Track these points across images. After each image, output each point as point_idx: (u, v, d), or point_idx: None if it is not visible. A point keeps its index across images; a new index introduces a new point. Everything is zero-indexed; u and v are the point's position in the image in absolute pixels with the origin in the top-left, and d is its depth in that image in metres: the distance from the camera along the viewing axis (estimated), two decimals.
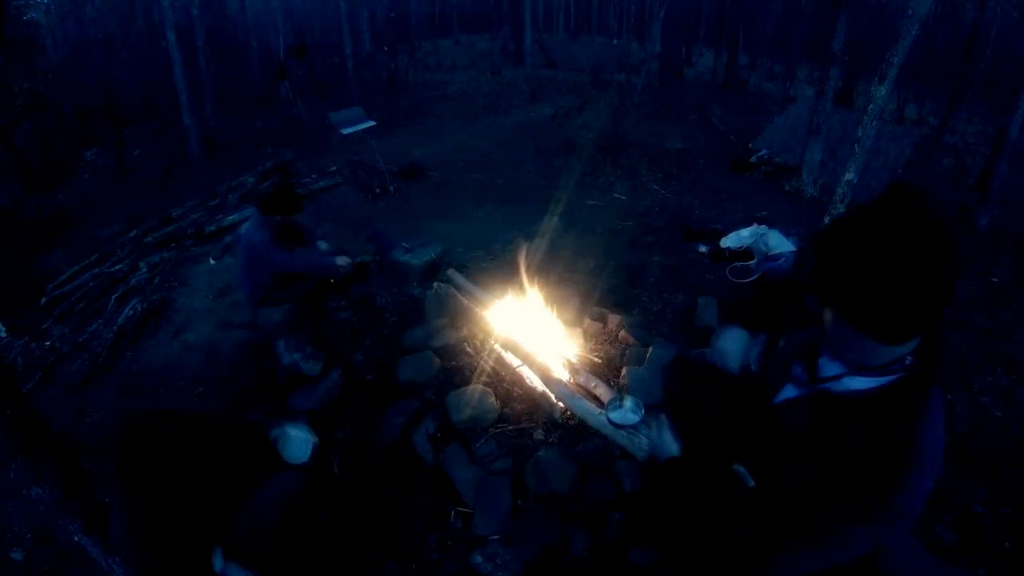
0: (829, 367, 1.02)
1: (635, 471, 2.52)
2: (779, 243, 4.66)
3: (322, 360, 3.39)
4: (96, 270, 5.68)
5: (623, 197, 7.00)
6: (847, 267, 0.85)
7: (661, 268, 4.95)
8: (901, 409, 0.93)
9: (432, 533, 2.46)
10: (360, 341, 3.69)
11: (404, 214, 6.59)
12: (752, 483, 1.11)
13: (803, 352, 1.10)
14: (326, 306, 4.01)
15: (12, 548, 2.67)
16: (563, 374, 3.05)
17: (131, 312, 4.62)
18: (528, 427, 2.85)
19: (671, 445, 1.34)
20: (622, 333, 3.51)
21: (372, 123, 7.51)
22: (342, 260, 3.54)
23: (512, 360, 3.17)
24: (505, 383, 3.11)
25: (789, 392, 1.12)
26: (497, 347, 3.30)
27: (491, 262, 5.01)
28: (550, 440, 2.77)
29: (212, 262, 5.62)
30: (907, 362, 0.93)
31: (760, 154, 8.53)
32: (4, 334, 4.64)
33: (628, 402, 2.70)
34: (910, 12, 4.12)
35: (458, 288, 4.04)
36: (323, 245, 3.83)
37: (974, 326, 4.25)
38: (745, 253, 4.77)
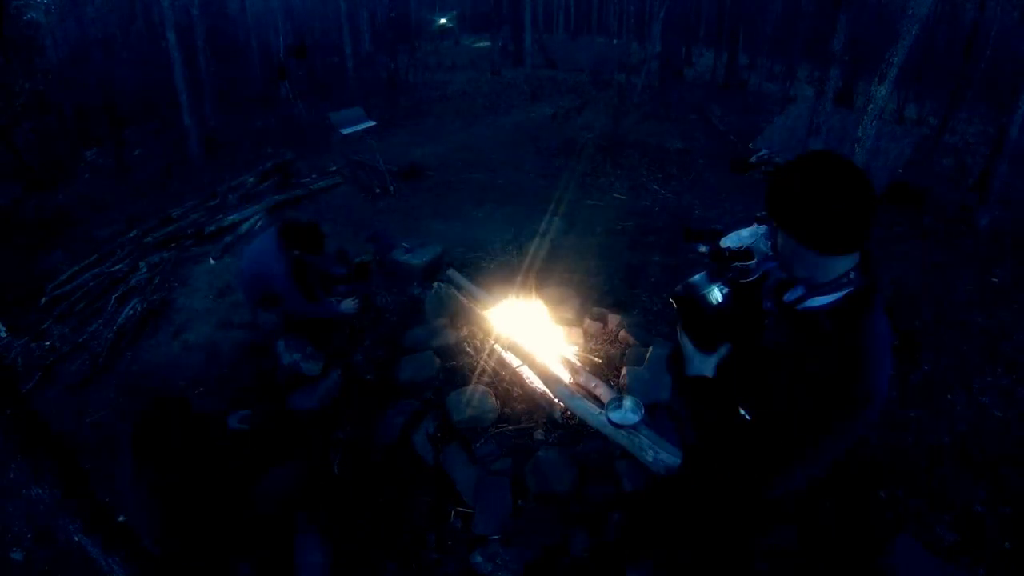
0: (791, 293, 1.26)
1: (635, 471, 2.52)
2: None
3: (322, 360, 3.39)
4: (96, 270, 5.67)
5: (623, 197, 7.00)
6: (795, 196, 1.13)
7: (661, 268, 4.95)
8: (855, 314, 1.17)
9: (432, 533, 2.46)
10: (360, 341, 3.69)
11: (404, 214, 6.59)
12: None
13: (773, 289, 1.34)
14: None
15: (12, 548, 2.67)
16: (563, 374, 3.05)
17: (131, 312, 4.61)
18: (528, 427, 2.85)
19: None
20: (622, 333, 3.51)
21: (372, 123, 7.51)
22: (347, 306, 3.63)
23: (512, 360, 3.17)
24: (505, 383, 3.11)
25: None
26: (497, 347, 3.30)
27: (491, 262, 5.01)
28: (550, 440, 2.77)
29: (212, 262, 5.61)
30: (852, 277, 1.17)
31: (760, 154, 8.53)
32: (4, 334, 4.64)
33: (628, 402, 2.70)
34: (910, 12, 4.12)
35: (458, 288, 4.04)
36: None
37: (974, 326, 4.25)
38: (745, 253, 4.78)
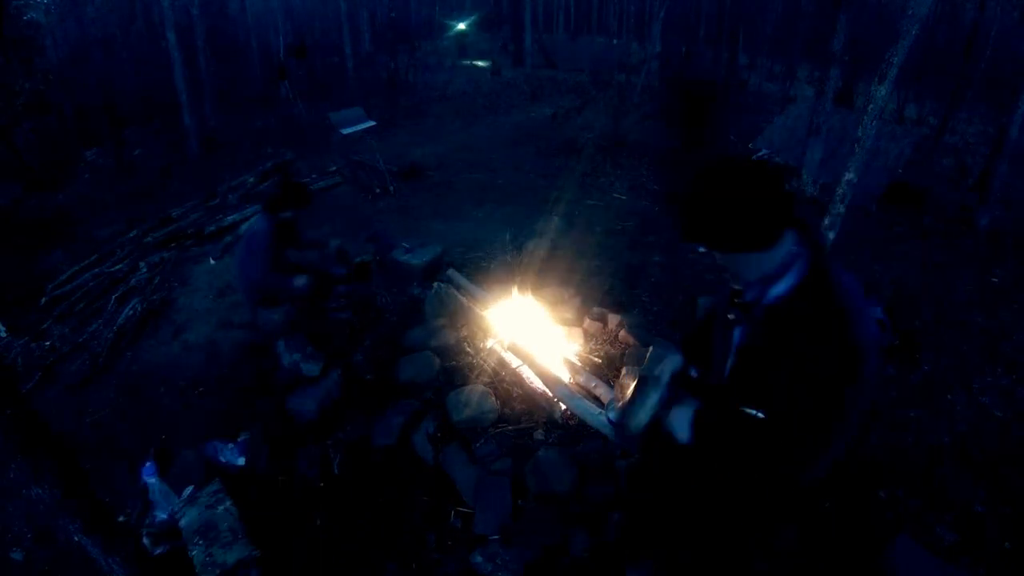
0: (748, 294, 1.28)
1: (635, 471, 2.52)
2: None
3: (322, 360, 3.38)
4: (96, 270, 5.68)
5: (623, 197, 7.00)
6: (702, 211, 1.17)
7: (661, 268, 4.95)
8: (817, 281, 1.19)
9: (432, 533, 2.46)
10: (360, 341, 3.69)
11: (404, 214, 6.59)
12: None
13: (727, 302, 1.36)
14: (326, 306, 4.01)
15: (12, 548, 2.67)
16: (563, 374, 3.05)
17: (131, 312, 4.62)
18: (528, 427, 2.85)
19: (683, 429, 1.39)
20: (622, 333, 3.51)
21: (372, 123, 7.51)
22: (299, 281, 3.68)
23: (512, 360, 3.17)
24: (505, 383, 3.11)
25: (739, 332, 1.35)
26: (497, 347, 3.30)
27: (491, 262, 5.01)
28: (550, 440, 2.77)
29: (212, 262, 5.62)
30: (794, 251, 1.20)
31: (760, 154, 8.53)
32: (4, 334, 4.64)
33: None
34: (910, 12, 4.11)
35: (458, 288, 4.04)
36: (335, 243, 4.12)
37: (974, 326, 4.25)
38: None
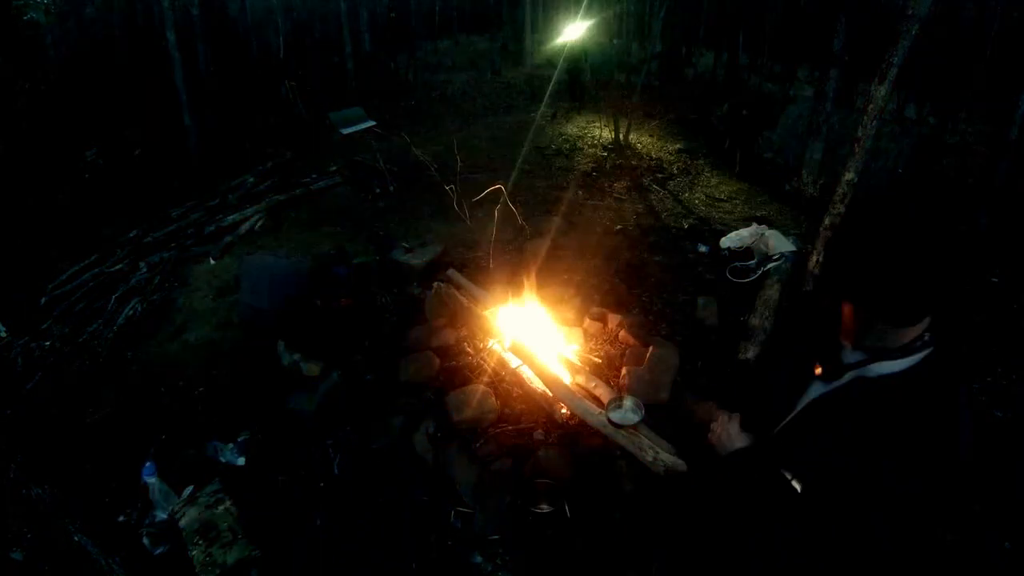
0: (851, 356, 1.12)
1: (635, 471, 2.52)
2: (779, 243, 4.66)
3: (322, 360, 3.39)
4: (96, 270, 5.68)
5: (623, 197, 7.00)
6: (857, 262, 1.01)
7: (661, 268, 4.95)
8: (937, 382, 1.02)
9: (432, 533, 2.46)
10: (360, 341, 3.69)
11: (404, 214, 6.59)
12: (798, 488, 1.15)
13: (819, 352, 1.19)
14: (326, 307, 4.02)
15: (12, 548, 2.67)
16: (563, 374, 3.05)
17: (131, 312, 4.62)
18: (528, 427, 2.85)
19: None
20: (622, 333, 3.51)
21: (372, 123, 7.51)
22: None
23: (512, 360, 3.17)
24: (505, 383, 3.11)
25: (818, 389, 1.19)
26: (497, 347, 3.30)
27: (491, 262, 5.01)
28: (550, 440, 2.77)
29: (212, 262, 5.61)
30: (926, 338, 1.03)
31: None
32: (4, 334, 4.64)
33: (628, 402, 2.71)
34: (910, 12, 4.11)
35: (458, 288, 4.04)
36: None
37: (974, 326, 4.25)
38: (745, 253, 4.78)
